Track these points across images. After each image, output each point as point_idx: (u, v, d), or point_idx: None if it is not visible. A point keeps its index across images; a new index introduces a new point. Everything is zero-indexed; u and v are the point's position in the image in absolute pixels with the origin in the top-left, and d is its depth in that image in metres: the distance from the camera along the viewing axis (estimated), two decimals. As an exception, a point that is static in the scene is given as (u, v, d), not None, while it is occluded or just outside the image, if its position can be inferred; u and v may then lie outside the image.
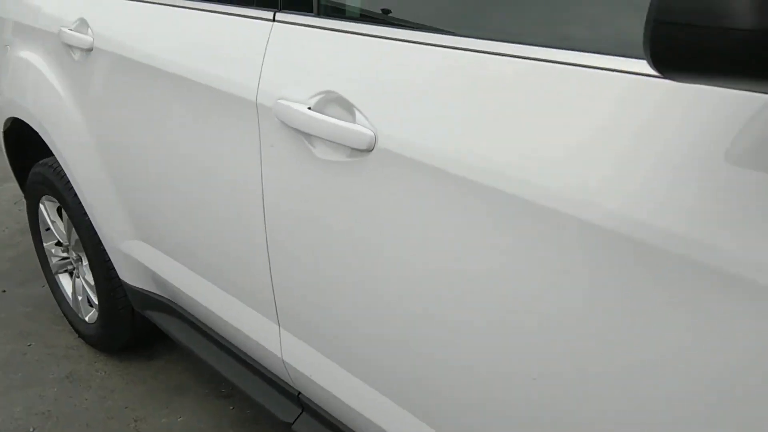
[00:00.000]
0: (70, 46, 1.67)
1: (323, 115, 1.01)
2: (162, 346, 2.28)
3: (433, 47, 0.91)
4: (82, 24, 1.63)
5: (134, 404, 2.03)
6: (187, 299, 1.61)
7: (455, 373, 0.98)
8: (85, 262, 2.14)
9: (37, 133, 2.06)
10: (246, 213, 1.25)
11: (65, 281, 2.34)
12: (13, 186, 3.80)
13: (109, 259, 1.92)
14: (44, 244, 2.32)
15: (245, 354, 1.51)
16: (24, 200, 3.69)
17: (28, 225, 3.37)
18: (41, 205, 2.20)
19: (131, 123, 1.51)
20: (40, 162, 2.09)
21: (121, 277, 1.86)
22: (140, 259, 1.71)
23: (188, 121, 1.33)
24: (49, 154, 2.12)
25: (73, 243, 2.08)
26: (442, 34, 0.91)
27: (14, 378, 2.16)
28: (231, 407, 2.01)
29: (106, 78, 1.56)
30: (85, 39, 1.59)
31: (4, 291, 2.67)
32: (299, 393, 1.39)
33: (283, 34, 1.13)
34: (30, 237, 3.21)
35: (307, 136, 1.06)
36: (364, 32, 1.01)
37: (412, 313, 1.00)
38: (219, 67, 1.24)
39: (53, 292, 2.41)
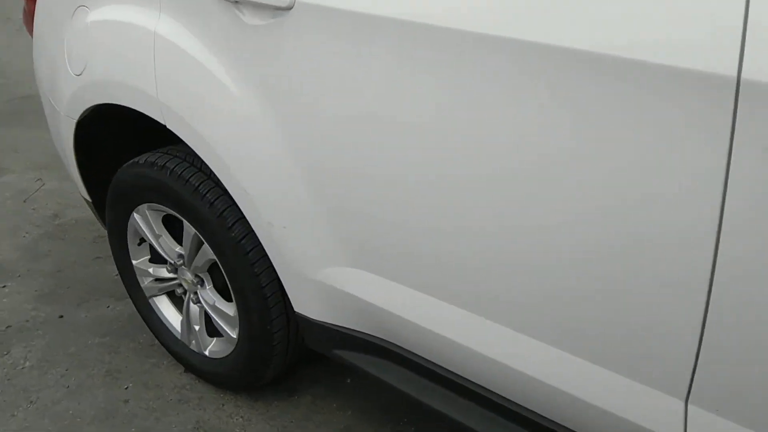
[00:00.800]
0: (237, 3, 1.18)
1: None
2: (294, 380, 1.86)
3: None
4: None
5: (302, 459, 1.62)
6: (443, 347, 1.19)
7: None
8: (209, 285, 1.68)
9: (127, 126, 1.57)
10: (667, 239, 0.85)
11: (165, 306, 1.86)
12: (14, 180, 3.17)
13: (267, 285, 1.47)
14: (134, 261, 1.82)
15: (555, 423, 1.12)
16: (34, 197, 3.05)
17: (51, 228, 2.78)
18: (135, 215, 1.70)
19: (376, 113, 1.06)
20: (141, 161, 1.59)
21: (297, 309, 1.42)
22: (350, 290, 1.27)
23: (515, 106, 0.91)
24: (142, 150, 1.63)
25: (200, 263, 1.61)
26: None
27: (128, 437, 1.70)
28: (427, 452, 1.63)
29: (329, 48, 1.09)
30: (275, -8, 1.11)
31: (62, 317, 2.15)
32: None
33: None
34: (62, 244, 2.65)
35: None
36: None
37: None
38: (631, 28, 0.81)
39: (144, 318, 1.92)
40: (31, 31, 1.83)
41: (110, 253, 2.52)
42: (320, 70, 1.10)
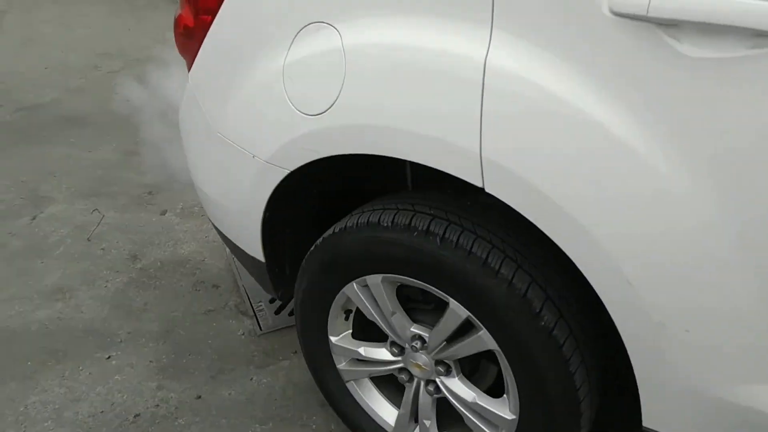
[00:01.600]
0: (673, 26, 0.82)
1: None
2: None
3: None
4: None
5: None
6: None
7: None
8: (458, 375, 1.32)
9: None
10: None
11: (369, 393, 1.50)
12: (63, 211, 2.59)
13: (581, 387, 1.14)
14: (332, 338, 1.45)
15: None
16: (97, 233, 2.38)
17: (134, 274, 2.25)
18: (355, 286, 1.32)
19: None
20: (384, 223, 1.22)
21: (648, 424, 1.08)
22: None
23: None
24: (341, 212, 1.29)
25: (463, 352, 1.24)
26: None
27: None
28: None
29: None
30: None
31: (200, 397, 1.75)
32: None
33: None
34: (156, 295, 2.25)
35: None
36: None
37: None
38: None
39: (333, 404, 1.55)
40: (189, 52, 1.41)
41: (223, 303, 2.13)
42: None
